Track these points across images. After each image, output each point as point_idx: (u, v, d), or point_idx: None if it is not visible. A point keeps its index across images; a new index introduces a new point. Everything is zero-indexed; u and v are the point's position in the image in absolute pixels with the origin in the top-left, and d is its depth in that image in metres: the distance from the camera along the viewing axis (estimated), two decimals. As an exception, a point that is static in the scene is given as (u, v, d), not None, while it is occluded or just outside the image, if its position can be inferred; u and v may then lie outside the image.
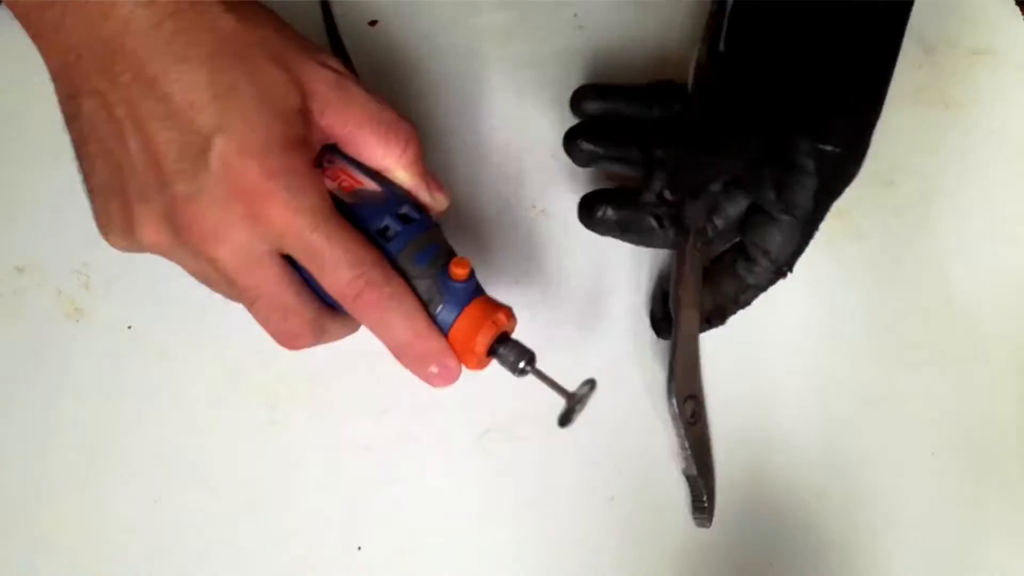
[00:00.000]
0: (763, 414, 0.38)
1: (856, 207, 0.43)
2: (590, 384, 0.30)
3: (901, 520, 0.37)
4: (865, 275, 0.42)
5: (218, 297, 0.39)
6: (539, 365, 0.30)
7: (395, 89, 0.44)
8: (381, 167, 0.30)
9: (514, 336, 0.31)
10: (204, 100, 0.26)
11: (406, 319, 0.28)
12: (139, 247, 0.28)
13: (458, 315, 0.29)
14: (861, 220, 0.43)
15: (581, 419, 0.30)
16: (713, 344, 0.39)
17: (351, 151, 0.30)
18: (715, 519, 0.36)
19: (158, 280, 0.40)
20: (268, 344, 0.38)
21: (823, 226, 0.42)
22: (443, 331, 0.29)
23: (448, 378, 0.30)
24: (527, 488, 0.36)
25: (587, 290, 0.40)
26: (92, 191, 0.28)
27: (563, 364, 0.39)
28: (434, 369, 0.29)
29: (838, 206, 0.43)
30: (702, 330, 0.37)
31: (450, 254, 0.30)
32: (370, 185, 0.29)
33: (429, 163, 0.32)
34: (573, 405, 0.30)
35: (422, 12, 0.48)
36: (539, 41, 0.47)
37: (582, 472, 0.37)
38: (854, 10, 0.33)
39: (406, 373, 0.38)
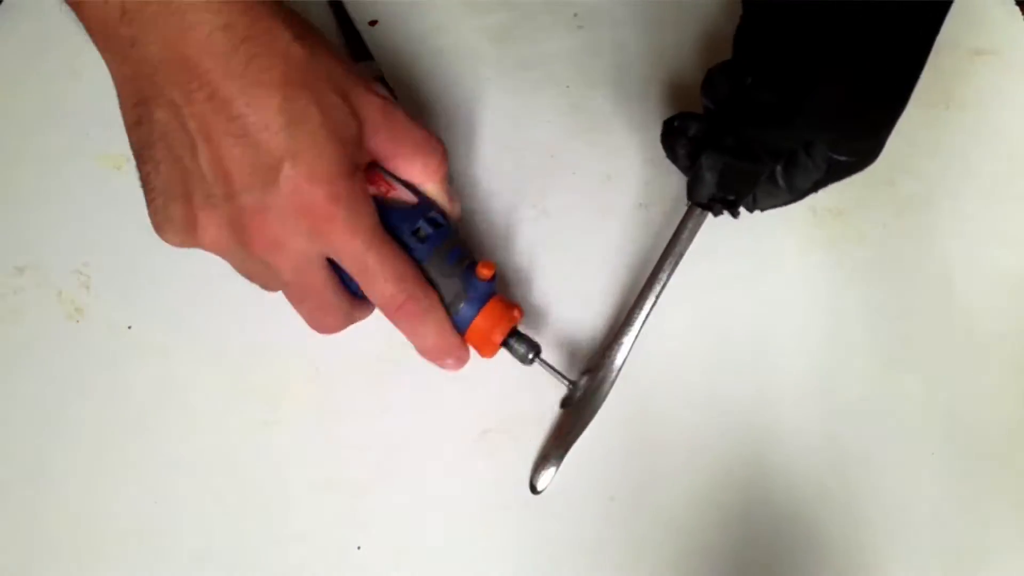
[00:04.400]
0: (763, 414, 0.38)
1: (856, 207, 0.43)
2: (589, 373, 0.36)
3: (901, 520, 0.37)
4: (865, 275, 0.42)
5: (218, 298, 0.39)
6: (542, 356, 0.36)
7: (395, 89, 0.44)
8: (416, 181, 0.33)
9: (521, 329, 0.35)
10: (277, 125, 0.27)
11: (435, 327, 0.33)
12: (196, 245, 0.30)
13: (479, 310, 0.34)
14: (861, 220, 0.43)
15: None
16: (714, 343, 0.40)
17: (391, 167, 0.33)
18: (715, 519, 0.36)
19: (158, 280, 0.40)
20: (268, 344, 0.39)
21: (823, 227, 0.43)
22: (466, 322, 0.34)
23: (458, 366, 0.35)
24: (527, 488, 0.36)
25: (586, 289, 0.40)
26: (153, 190, 0.29)
27: (558, 362, 0.39)
28: (450, 361, 0.34)
29: (838, 206, 0.43)
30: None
31: (471, 254, 0.34)
32: (405, 193, 0.33)
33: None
34: (574, 392, 0.36)
35: (422, 12, 0.48)
36: (539, 41, 0.47)
37: (582, 472, 0.37)
38: (885, 19, 0.32)
39: (406, 374, 0.38)
